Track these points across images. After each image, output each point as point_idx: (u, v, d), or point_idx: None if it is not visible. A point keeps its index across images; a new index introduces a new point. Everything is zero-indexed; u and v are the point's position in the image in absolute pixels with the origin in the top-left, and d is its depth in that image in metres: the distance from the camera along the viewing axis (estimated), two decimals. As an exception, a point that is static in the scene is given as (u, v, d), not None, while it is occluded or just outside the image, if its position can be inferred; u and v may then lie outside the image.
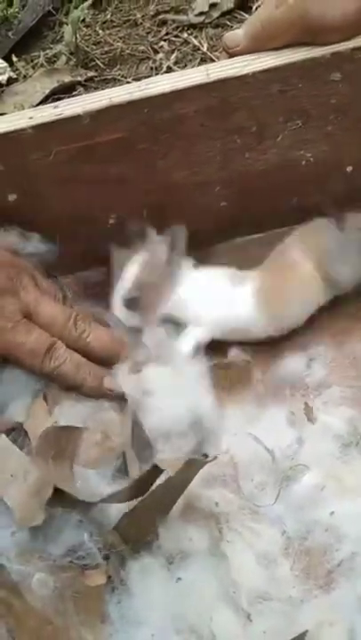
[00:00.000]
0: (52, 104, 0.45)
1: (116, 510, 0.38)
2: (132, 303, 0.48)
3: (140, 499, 0.37)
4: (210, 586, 0.37)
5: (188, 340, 0.49)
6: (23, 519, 0.37)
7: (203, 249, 0.56)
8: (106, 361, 0.47)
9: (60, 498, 0.37)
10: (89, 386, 0.46)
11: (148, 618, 0.36)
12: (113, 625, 0.36)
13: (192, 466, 0.34)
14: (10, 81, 0.78)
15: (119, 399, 0.46)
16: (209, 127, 0.47)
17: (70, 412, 0.44)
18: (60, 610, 0.35)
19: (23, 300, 0.46)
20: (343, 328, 0.52)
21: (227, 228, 0.56)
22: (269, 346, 0.50)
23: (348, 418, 0.45)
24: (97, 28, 0.84)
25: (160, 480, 0.37)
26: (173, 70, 0.76)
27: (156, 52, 0.81)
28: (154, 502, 0.36)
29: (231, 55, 0.45)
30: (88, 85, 0.77)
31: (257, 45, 0.44)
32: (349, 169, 0.53)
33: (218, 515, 0.40)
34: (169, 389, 0.46)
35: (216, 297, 0.49)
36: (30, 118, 0.44)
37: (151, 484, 0.36)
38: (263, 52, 0.45)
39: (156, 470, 0.35)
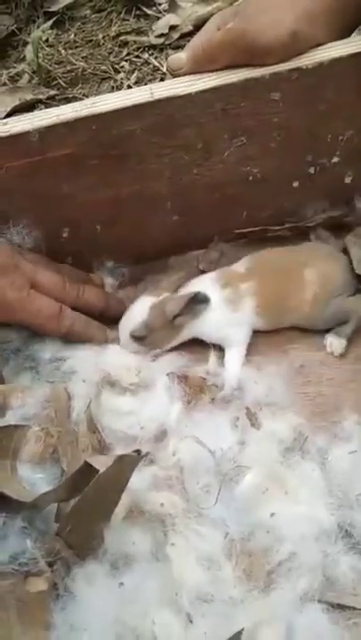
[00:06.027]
0: (2, 120, 0.46)
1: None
2: (139, 339, 0.51)
3: (75, 499, 0.37)
4: (152, 589, 0.38)
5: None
6: None
7: (158, 261, 0.58)
8: (101, 313, 0.53)
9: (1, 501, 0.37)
10: (98, 339, 0.52)
11: (91, 624, 0.37)
12: (56, 632, 0.36)
13: (123, 462, 0.35)
14: (-28, 99, 0.79)
15: None
16: (156, 144, 0.49)
17: (18, 412, 0.45)
18: (1, 617, 0.35)
19: (26, 273, 0.49)
20: (290, 337, 0.53)
21: (181, 240, 0.57)
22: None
23: (293, 424, 0.46)
24: (60, 48, 0.86)
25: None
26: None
27: (117, 71, 0.83)
28: (91, 502, 0.36)
29: (175, 77, 0.47)
30: (49, 104, 0.78)
31: (199, 67, 0.46)
32: (296, 184, 0.55)
33: (163, 518, 0.41)
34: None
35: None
36: (-20, 134, 0.45)
37: (86, 484, 0.36)
38: (206, 72, 0.47)
39: (88, 469, 0.35)
